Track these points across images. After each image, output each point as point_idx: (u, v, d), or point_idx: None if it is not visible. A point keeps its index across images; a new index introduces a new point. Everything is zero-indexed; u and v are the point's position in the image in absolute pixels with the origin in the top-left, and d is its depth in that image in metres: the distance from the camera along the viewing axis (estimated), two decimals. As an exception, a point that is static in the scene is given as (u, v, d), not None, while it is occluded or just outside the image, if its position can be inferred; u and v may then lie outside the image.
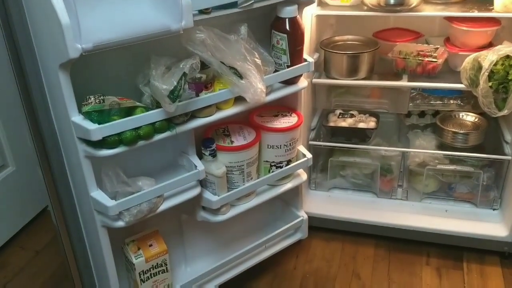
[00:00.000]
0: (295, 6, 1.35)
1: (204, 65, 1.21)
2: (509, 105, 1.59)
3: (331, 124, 1.90)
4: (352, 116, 1.90)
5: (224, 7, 1.20)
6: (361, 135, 1.86)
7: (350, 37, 1.89)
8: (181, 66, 1.10)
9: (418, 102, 1.88)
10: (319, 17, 1.79)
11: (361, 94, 1.93)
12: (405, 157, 1.87)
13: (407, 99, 1.84)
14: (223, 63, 1.23)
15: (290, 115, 1.53)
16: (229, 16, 1.23)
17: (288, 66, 1.39)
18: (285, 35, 1.35)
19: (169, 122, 1.17)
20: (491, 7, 1.60)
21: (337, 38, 1.89)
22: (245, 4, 1.23)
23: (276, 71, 1.39)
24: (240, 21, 1.30)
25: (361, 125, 1.86)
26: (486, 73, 1.57)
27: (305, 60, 1.43)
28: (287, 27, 1.35)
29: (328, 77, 1.86)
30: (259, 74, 1.26)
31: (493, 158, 1.73)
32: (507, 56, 1.58)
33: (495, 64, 1.59)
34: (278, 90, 1.42)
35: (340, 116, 1.91)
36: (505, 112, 1.60)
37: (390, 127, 1.98)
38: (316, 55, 1.87)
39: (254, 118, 1.49)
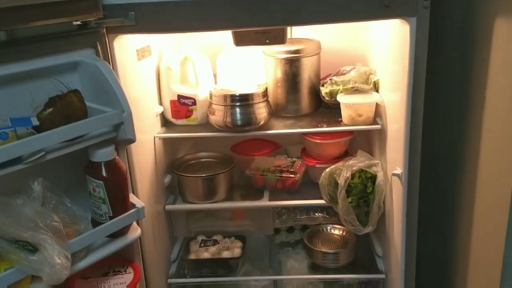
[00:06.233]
0: (112, 147, 1.11)
1: (-24, 244, 0.89)
2: (373, 220, 1.49)
3: (192, 256, 1.63)
4: (215, 243, 1.66)
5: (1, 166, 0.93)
6: (227, 266, 1.62)
7: (204, 154, 1.71)
8: None
9: (284, 217, 1.71)
10: (166, 138, 1.60)
11: (223, 217, 1.71)
12: (277, 285, 1.65)
13: (270, 219, 1.67)
14: (2, 237, 0.93)
15: (125, 271, 1.23)
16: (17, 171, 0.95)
17: (110, 217, 1.13)
18: (102, 182, 1.10)
19: None
20: (340, 119, 1.55)
21: (189, 157, 1.69)
22: (32, 159, 0.96)
23: (97, 223, 1.12)
24: (35, 173, 1.02)
25: (226, 253, 1.62)
26: (343, 191, 1.46)
27: (134, 206, 1.18)
28: (103, 173, 1.10)
29: (184, 201, 1.63)
30: (58, 243, 0.97)
31: (366, 279, 1.58)
32: (362, 169, 1.52)
33: (352, 177, 1.50)
34: (99, 249, 1.13)
35: (202, 244, 1.66)
36: (369, 229, 1.49)
37: (260, 246, 1.76)
38: (167, 178, 1.65)
39: (75, 283, 1.17)
